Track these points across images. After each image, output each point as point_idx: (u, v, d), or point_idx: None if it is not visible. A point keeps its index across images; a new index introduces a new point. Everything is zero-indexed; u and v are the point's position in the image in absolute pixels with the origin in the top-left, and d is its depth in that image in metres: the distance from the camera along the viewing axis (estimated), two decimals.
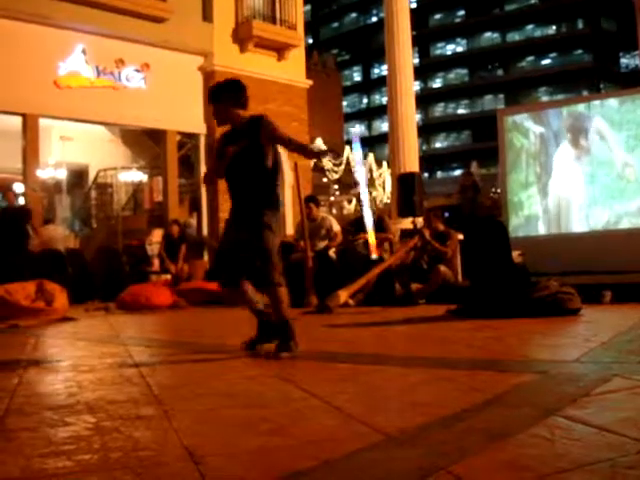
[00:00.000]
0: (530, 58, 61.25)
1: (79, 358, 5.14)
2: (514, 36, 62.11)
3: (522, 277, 6.86)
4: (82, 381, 3.81)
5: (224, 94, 4.60)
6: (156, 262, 12.70)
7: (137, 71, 14.81)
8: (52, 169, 17.64)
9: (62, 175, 18.20)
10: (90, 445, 2.40)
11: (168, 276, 11.44)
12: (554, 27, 60.12)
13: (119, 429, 2.61)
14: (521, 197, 11.37)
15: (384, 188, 31.34)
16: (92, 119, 14.79)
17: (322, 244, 9.64)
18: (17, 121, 13.41)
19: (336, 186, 31.20)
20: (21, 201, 14.94)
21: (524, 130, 11.47)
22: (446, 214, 9.66)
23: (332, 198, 31.78)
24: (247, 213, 4.48)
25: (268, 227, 4.41)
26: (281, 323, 4.49)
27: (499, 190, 16.78)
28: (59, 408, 3.06)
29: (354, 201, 31.17)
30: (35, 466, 2.17)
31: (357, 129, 11.69)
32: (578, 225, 10.90)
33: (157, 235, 14.23)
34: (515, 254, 8.40)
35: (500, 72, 63.14)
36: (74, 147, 17.31)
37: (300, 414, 2.81)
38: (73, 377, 3.99)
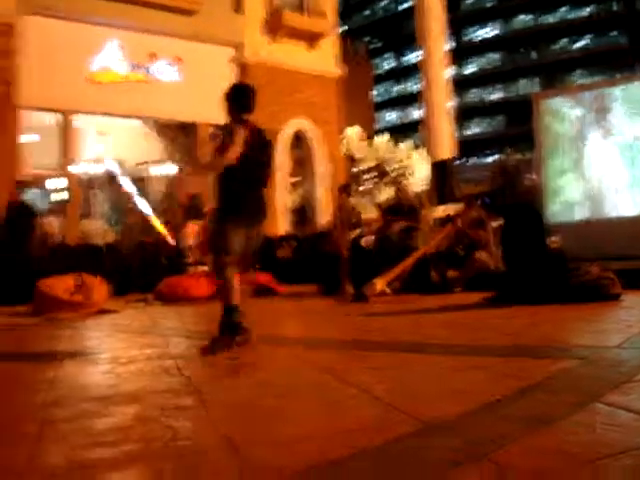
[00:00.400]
0: (565, 40, 60.26)
1: (118, 350, 5.19)
2: (548, 18, 61.08)
3: (558, 263, 6.77)
4: (121, 372, 3.85)
5: (226, 99, 4.78)
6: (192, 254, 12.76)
7: (169, 64, 14.88)
8: (89, 164, 17.81)
9: (99, 170, 18.37)
10: (130, 435, 2.42)
11: (205, 267, 11.50)
12: (588, 8, 59.04)
13: (158, 419, 2.64)
14: (560, 182, 11.21)
15: (417, 176, 31.12)
16: (126, 113, 14.91)
17: (353, 233, 9.60)
18: (54, 118, 13.58)
19: (368, 175, 31.05)
20: (64, 195, 15.14)
21: (562, 114, 11.30)
22: (487, 200, 9.56)
23: (362, 187, 31.68)
24: None
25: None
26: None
27: (534, 175, 16.58)
28: (100, 399, 3.10)
29: (386, 189, 31.00)
30: (79, 456, 2.20)
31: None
32: (618, 209, 10.71)
33: (193, 228, 14.30)
34: (553, 240, 8.30)
35: (534, 55, 62.23)
36: (110, 142, 17.46)
37: (337, 403, 2.81)
38: (112, 369, 4.04)
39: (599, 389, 2.74)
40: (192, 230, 13.90)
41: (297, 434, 2.32)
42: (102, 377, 3.78)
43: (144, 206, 9.75)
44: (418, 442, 2.14)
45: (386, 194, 30.12)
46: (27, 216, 11.15)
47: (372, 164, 29.14)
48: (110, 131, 16.67)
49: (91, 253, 11.51)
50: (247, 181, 4.68)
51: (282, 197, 16.53)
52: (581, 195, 11.00)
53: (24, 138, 13.07)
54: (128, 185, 10.50)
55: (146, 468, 2.08)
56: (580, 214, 11.02)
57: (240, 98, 4.78)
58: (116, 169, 11.01)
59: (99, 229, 14.74)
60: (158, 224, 9.68)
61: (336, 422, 2.48)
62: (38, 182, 17.35)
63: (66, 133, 13.57)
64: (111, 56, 14.04)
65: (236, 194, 4.66)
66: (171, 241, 8.70)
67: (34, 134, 14.11)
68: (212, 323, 4.66)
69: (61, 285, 8.40)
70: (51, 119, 13.58)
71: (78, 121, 13.98)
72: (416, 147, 31.89)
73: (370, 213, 10.04)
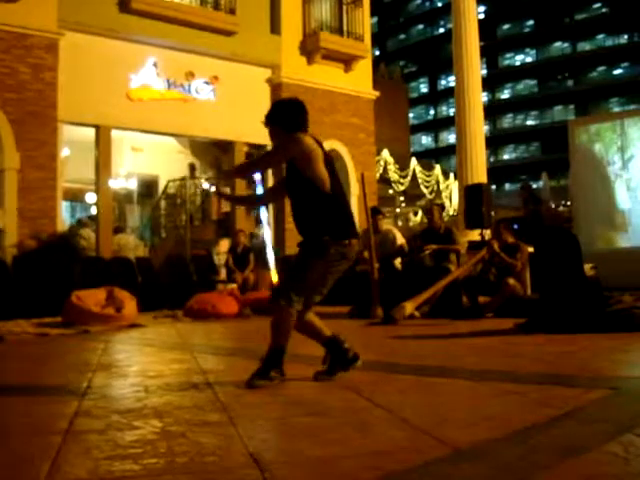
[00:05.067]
0: (601, 68, 59.89)
1: (147, 364, 5.22)
2: (585, 46, 60.81)
3: (594, 291, 6.67)
4: (150, 386, 3.86)
5: (273, 117, 4.17)
6: (223, 271, 12.83)
7: (206, 83, 15.03)
8: (123, 179, 18.04)
9: (133, 185, 18.60)
10: (156, 449, 2.42)
11: (234, 285, 11.54)
12: (626, 36, 58.67)
13: (185, 434, 2.63)
14: (594, 209, 11.09)
15: (451, 200, 30.98)
16: (162, 130, 15.07)
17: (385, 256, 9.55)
18: (90, 132, 13.76)
19: (402, 198, 30.94)
20: (93, 210, 15.35)
21: (599, 141, 11.20)
22: (515, 226, 9.46)
23: (398, 210, 31.58)
24: None
25: None
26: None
27: (569, 202, 16.45)
28: (127, 412, 3.11)
29: (420, 213, 30.90)
30: (102, 468, 2.19)
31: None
32: None
33: (224, 245, 14.39)
34: (587, 267, 8.18)
35: (570, 82, 61.93)
36: (145, 158, 17.67)
37: (365, 424, 2.78)
38: (141, 382, 4.05)
39: (632, 420, 2.69)
40: (224, 247, 13.99)
41: (325, 454, 2.30)
42: (130, 390, 3.78)
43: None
44: (447, 468, 2.11)
45: (420, 217, 30.04)
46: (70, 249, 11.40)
47: (407, 186, 29.04)
48: (144, 147, 16.88)
49: (123, 267, 11.60)
50: None
51: None
52: (620, 221, 10.87)
53: (62, 152, 13.26)
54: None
55: None
56: (615, 242, 10.88)
57: (286, 114, 4.17)
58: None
59: (132, 243, 14.87)
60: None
61: (364, 444, 2.45)
62: (74, 195, 17.62)
63: (102, 148, 13.73)
64: (150, 74, 14.22)
65: None
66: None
67: (71, 148, 14.33)
68: (238, 340, 4.64)
69: (92, 297, 8.47)
70: (88, 133, 13.76)
71: (114, 136, 14.15)
72: (444, 172, 31.77)
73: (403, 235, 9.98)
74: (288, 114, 4.15)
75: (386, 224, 10.53)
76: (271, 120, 4.16)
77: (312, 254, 3.97)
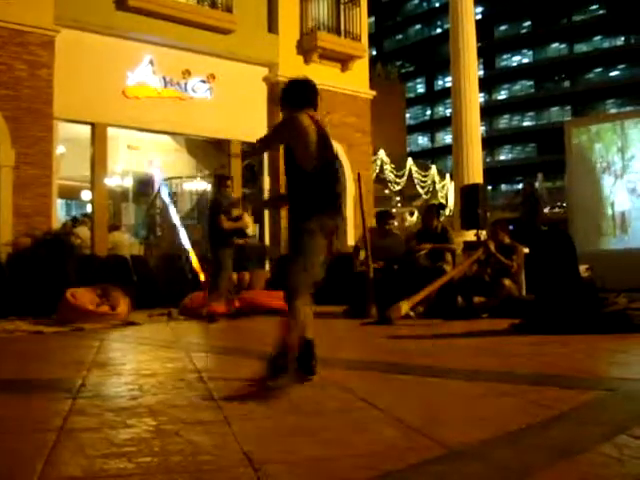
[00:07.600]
0: (598, 69, 59.97)
1: (141, 362, 5.20)
2: (582, 47, 60.88)
3: (589, 292, 6.67)
4: (144, 384, 3.85)
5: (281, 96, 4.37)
6: None
7: (203, 82, 14.99)
8: (119, 177, 17.98)
9: (128, 183, 18.55)
10: (150, 448, 2.41)
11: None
12: (623, 38, 58.75)
13: (179, 433, 2.63)
14: (592, 209, 11.09)
15: (447, 200, 30.97)
16: (159, 129, 15.02)
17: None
18: (86, 130, 13.72)
19: (398, 198, 30.91)
20: (88, 208, 15.31)
21: (595, 142, 11.21)
22: (511, 227, 9.47)
23: (394, 210, 31.56)
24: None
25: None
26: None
27: (565, 204, 16.47)
28: (121, 410, 3.10)
29: (416, 213, 30.90)
30: (96, 466, 2.19)
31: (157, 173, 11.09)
32: None
33: None
34: (582, 269, 8.19)
35: (567, 84, 62.01)
36: (140, 156, 17.62)
37: (360, 424, 2.77)
38: (135, 380, 4.04)
39: (627, 421, 2.69)
40: None
41: (320, 454, 2.29)
42: (125, 388, 3.77)
43: (177, 220, 9.79)
44: (442, 468, 2.10)
45: (416, 217, 30.02)
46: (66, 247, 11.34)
47: (403, 186, 29.03)
48: (140, 145, 16.82)
49: (118, 265, 11.58)
50: None
51: None
52: (615, 223, 10.88)
53: (58, 149, 13.22)
54: (166, 196, 10.64)
55: None
56: (613, 243, 10.89)
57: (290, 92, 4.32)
58: (159, 176, 11.17)
59: (127, 241, 14.85)
60: (194, 257, 9.93)
61: (359, 444, 2.44)
62: (70, 192, 17.57)
63: (97, 145, 13.69)
64: (146, 71, 14.18)
65: None
66: (202, 277, 8.79)
67: (67, 145, 14.28)
68: (233, 339, 4.63)
69: (87, 295, 8.46)
70: (83, 131, 13.72)
71: (110, 134, 14.11)
72: (440, 172, 31.75)
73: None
74: (287, 93, 4.32)
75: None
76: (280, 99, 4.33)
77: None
